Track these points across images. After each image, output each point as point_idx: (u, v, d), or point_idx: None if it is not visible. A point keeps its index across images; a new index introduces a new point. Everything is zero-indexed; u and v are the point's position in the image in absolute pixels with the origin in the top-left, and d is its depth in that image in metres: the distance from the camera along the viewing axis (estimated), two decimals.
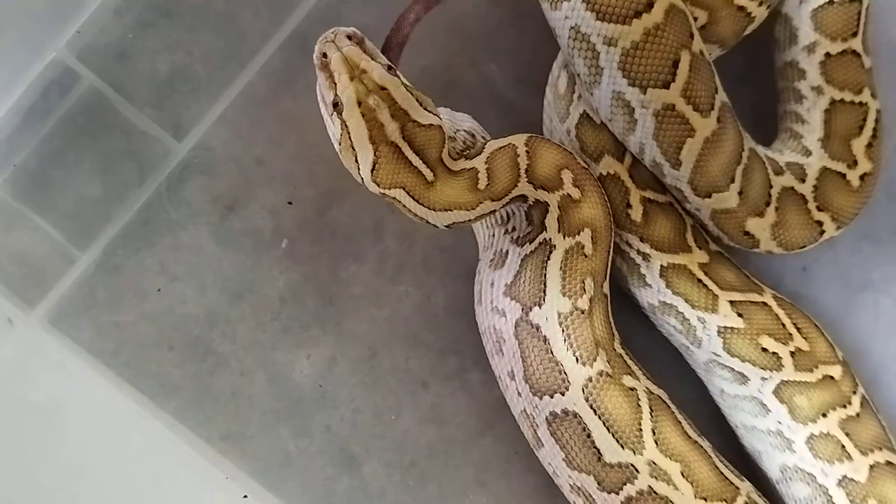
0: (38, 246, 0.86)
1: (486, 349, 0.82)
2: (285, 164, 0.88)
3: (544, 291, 0.76)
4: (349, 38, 0.73)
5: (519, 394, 0.78)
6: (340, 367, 0.87)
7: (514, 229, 0.79)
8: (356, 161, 0.73)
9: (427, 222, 0.75)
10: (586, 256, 0.76)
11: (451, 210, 0.75)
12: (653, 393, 0.77)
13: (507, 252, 0.79)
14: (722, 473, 0.76)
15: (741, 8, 0.79)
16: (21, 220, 0.86)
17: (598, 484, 0.75)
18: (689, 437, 0.76)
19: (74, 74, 0.86)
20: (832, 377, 0.80)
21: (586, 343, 0.75)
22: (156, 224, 0.87)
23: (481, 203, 0.75)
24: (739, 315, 0.79)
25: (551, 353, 0.75)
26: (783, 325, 0.80)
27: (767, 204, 0.80)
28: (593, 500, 0.76)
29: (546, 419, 0.76)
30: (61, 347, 0.85)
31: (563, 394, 0.75)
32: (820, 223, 0.83)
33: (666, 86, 0.73)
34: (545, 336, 0.75)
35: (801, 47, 0.84)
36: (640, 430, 0.74)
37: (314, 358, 0.87)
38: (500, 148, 0.76)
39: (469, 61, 0.89)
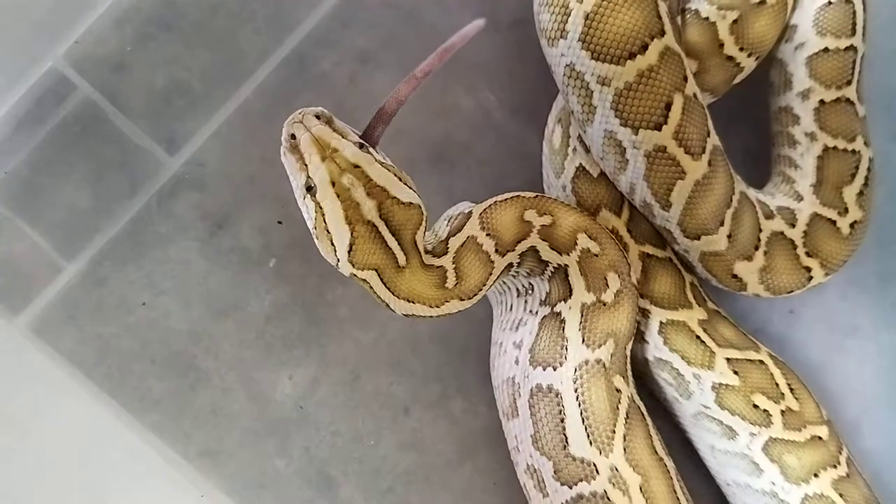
0: (24, 254, 0.86)
1: (497, 319, 0.83)
2: (277, 183, 0.87)
3: (570, 291, 0.77)
4: (317, 117, 0.71)
5: (517, 362, 0.78)
6: (322, 388, 0.87)
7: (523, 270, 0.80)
8: (332, 244, 0.71)
9: (388, 306, 0.74)
10: (597, 256, 0.76)
11: (414, 302, 0.74)
12: (634, 402, 0.77)
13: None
14: (678, 499, 0.76)
15: (730, 58, 0.80)
16: (9, 227, 0.86)
17: (555, 472, 0.75)
18: (656, 454, 0.76)
19: (70, 84, 0.86)
20: (820, 437, 0.80)
21: (598, 330, 0.76)
22: (144, 237, 0.86)
23: (447, 302, 0.74)
24: (735, 373, 0.79)
25: (562, 330, 0.76)
26: (777, 384, 0.80)
27: (756, 248, 0.80)
28: (544, 485, 0.76)
29: (531, 390, 0.76)
30: (43, 357, 0.85)
31: (555, 368, 0.75)
32: (808, 269, 0.83)
33: (658, 127, 0.73)
34: (564, 318, 0.76)
35: (795, 93, 0.85)
36: (614, 432, 0.74)
37: (296, 378, 0.87)
38: (462, 244, 0.75)
39: (466, 88, 0.90)
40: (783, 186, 0.86)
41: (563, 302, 0.77)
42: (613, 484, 0.73)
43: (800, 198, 0.85)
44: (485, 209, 0.76)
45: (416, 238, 0.73)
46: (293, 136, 0.71)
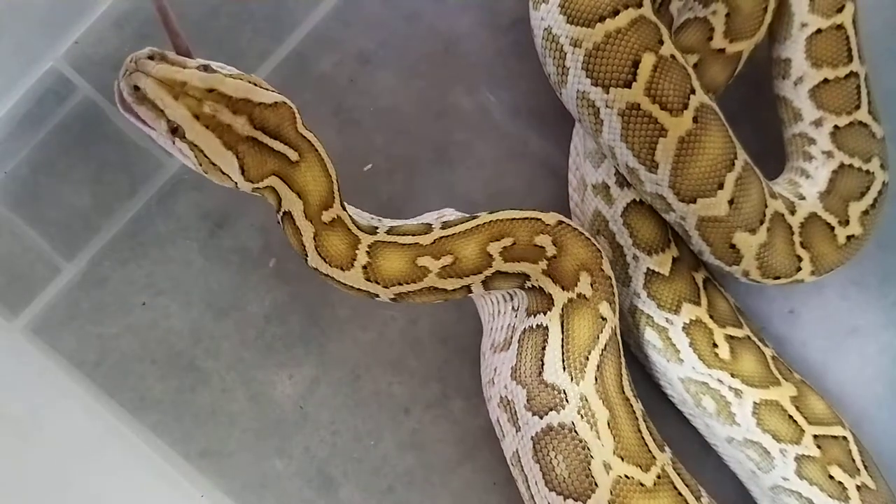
0: (24, 254, 0.86)
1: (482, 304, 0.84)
2: None
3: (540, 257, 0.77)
4: (151, 58, 0.69)
5: (515, 314, 0.79)
6: (322, 388, 0.87)
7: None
8: (223, 173, 0.71)
9: (302, 245, 0.75)
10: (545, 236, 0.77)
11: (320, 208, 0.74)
12: (615, 335, 0.77)
13: None
14: (643, 439, 0.75)
15: None
16: (8, 227, 0.86)
17: (528, 400, 0.75)
18: (623, 392, 0.76)
19: (70, 84, 0.87)
20: None
21: (567, 271, 0.76)
22: (144, 237, 0.86)
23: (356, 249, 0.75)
24: (818, 447, 0.79)
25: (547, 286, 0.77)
26: (853, 459, 0.80)
27: (761, 222, 0.79)
28: (516, 417, 0.76)
29: (524, 329, 0.77)
30: (42, 357, 0.85)
31: (544, 313, 0.76)
32: (799, 258, 0.82)
33: (627, 85, 0.74)
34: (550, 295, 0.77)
35: (807, 123, 0.85)
36: (587, 358, 0.74)
37: (296, 378, 0.87)
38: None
39: (466, 88, 0.90)
40: (787, 186, 0.86)
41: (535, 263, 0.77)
42: (581, 415, 0.73)
43: (803, 198, 0.84)
44: (442, 237, 0.75)
45: (297, 129, 0.71)
46: (137, 88, 0.69)
